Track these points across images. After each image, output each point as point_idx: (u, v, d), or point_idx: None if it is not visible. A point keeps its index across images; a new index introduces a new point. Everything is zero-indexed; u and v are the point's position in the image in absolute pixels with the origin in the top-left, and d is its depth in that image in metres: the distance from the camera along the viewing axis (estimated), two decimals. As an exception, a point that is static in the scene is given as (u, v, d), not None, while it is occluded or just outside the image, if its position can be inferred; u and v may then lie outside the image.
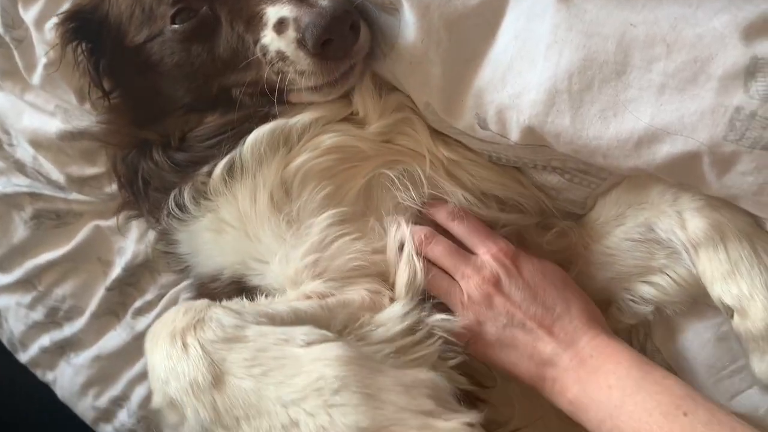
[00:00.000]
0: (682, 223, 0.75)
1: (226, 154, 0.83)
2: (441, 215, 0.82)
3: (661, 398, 0.65)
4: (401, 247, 0.79)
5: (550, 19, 0.68)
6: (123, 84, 0.98)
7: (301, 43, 0.76)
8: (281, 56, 0.78)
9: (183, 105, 0.90)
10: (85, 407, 1.38)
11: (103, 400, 1.35)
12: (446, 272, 0.79)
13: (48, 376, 1.42)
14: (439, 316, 0.74)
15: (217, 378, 0.60)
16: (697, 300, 0.80)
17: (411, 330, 0.71)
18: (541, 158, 0.79)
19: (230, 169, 0.82)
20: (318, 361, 0.60)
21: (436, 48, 0.75)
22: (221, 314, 0.64)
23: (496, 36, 0.73)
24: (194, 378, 0.60)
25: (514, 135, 0.74)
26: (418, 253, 0.78)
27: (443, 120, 0.80)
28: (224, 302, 0.69)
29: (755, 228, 0.74)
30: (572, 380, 0.71)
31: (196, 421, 0.60)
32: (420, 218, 0.83)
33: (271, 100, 0.82)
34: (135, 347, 1.36)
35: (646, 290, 0.81)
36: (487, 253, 0.78)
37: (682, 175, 0.70)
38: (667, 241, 0.78)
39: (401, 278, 0.77)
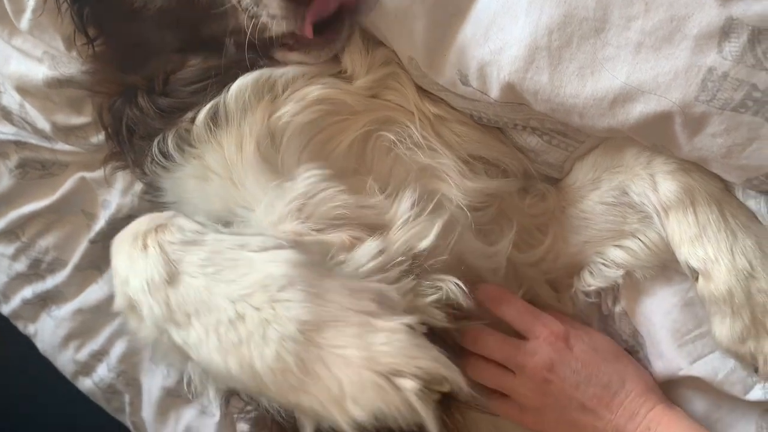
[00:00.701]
0: (654, 185, 0.76)
1: (211, 100, 0.82)
2: (487, 298, 0.81)
3: None
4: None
5: (533, -25, 0.68)
6: (108, 31, 0.96)
7: None
8: (255, 1, 0.77)
9: (170, 50, 0.88)
10: (65, 361, 1.39)
11: (83, 354, 1.35)
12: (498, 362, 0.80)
13: (29, 329, 1.43)
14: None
15: (172, 276, 0.61)
16: (666, 265, 0.81)
17: (382, 268, 0.69)
18: (520, 117, 0.80)
19: (214, 116, 0.81)
20: (270, 262, 0.61)
21: (421, 1, 0.75)
22: (184, 221, 0.66)
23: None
24: (151, 275, 0.61)
25: (494, 92, 0.75)
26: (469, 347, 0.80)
27: (426, 75, 0.80)
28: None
29: (725, 193, 0.75)
30: None
31: (150, 319, 0.61)
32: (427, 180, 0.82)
33: (256, 53, 0.81)
34: (116, 302, 1.37)
35: (617, 254, 0.83)
36: (538, 338, 0.79)
37: (655, 136, 0.71)
38: (639, 204, 0.79)
39: (401, 234, 0.75)
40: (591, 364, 0.77)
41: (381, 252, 0.69)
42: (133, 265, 0.63)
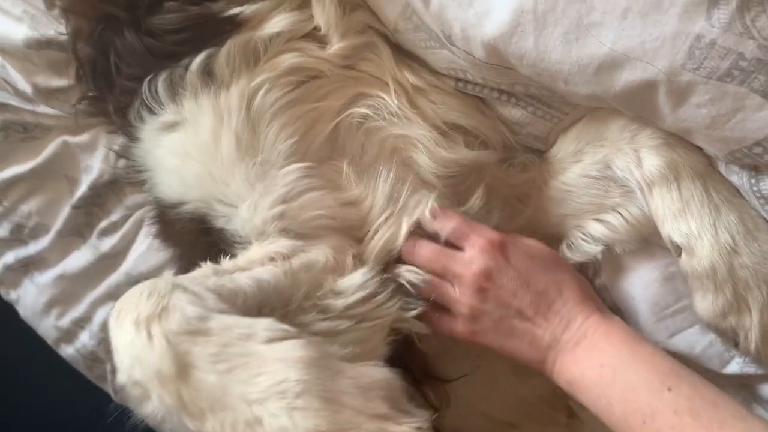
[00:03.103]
0: (638, 161, 0.75)
1: (197, 51, 0.80)
2: (424, 216, 0.80)
3: (648, 375, 0.67)
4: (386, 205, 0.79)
5: (518, -62, 0.66)
6: None
7: None
8: None
9: None
10: (47, 327, 1.38)
11: (66, 321, 1.35)
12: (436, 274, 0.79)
13: (11, 295, 1.42)
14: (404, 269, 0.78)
15: (182, 370, 0.61)
16: (647, 239, 0.81)
17: (371, 296, 0.74)
18: (505, 81, 0.78)
19: (208, 72, 0.80)
20: (281, 361, 0.62)
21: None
22: (184, 302, 0.64)
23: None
24: (159, 368, 0.60)
25: (479, 52, 0.74)
26: (403, 261, 0.79)
27: (419, 27, 0.78)
28: (186, 281, 0.69)
29: (708, 168, 0.74)
30: (569, 361, 0.73)
31: (161, 405, 0.62)
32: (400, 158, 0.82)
33: None
34: (99, 268, 1.36)
35: (597, 228, 0.82)
36: (474, 247, 0.78)
37: (639, 106, 0.70)
38: (622, 179, 0.78)
39: (379, 240, 0.78)
40: (528, 271, 0.76)
41: (366, 283, 0.74)
42: (138, 354, 0.61)
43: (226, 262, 0.74)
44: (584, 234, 0.83)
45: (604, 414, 0.69)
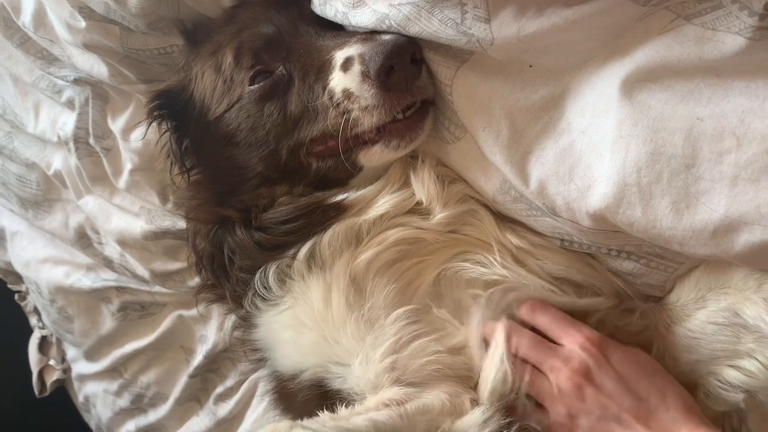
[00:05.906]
0: None
1: (303, 240, 0.86)
2: (521, 309, 0.82)
3: None
4: (484, 343, 0.80)
5: (615, 115, 0.69)
6: (203, 160, 1.01)
7: (365, 75, 0.79)
8: (346, 94, 0.80)
9: (255, 174, 0.92)
10: (167, 494, 1.41)
11: (186, 486, 1.37)
12: (533, 365, 0.79)
13: (133, 461, 1.46)
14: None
15: None
16: (792, 385, 0.77)
17: None
18: (615, 243, 0.79)
19: (311, 256, 0.85)
20: None
21: (496, 137, 0.78)
22: None
23: (557, 129, 0.75)
24: None
25: (586, 222, 0.75)
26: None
27: (520, 198, 0.80)
28: (305, 421, 0.72)
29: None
30: None
31: None
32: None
33: (339, 162, 0.85)
34: (217, 433, 1.40)
35: (733, 375, 0.78)
36: (573, 343, 0.77)
37: (764, 263, 0.69)
38: (755, 326, 0.75)
39: (488, 382, 0.78)
40: (629, 375, 0.74)
41: (487, 421, 0.73)
42: None
43: (342, 410, 0.76)
44: (720, 381, 0.79)
45: None
